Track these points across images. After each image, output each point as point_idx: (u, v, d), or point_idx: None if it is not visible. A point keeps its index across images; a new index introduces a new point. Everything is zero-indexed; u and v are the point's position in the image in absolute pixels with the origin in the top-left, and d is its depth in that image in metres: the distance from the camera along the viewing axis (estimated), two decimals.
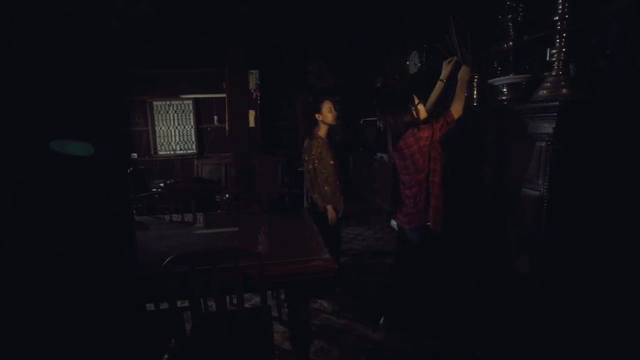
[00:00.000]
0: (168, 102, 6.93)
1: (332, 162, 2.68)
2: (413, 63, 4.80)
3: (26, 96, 0.74)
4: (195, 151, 7.02)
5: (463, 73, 2.07)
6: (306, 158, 2.63)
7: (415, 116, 2.12)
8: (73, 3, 0.83)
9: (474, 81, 2.43)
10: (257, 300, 2.88)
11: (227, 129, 6.03)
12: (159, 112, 6.96)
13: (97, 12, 0.90)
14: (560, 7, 1.59)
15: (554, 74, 1.67)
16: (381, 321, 2.43)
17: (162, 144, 7.04)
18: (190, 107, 6.95)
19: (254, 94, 5.72)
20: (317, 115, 2.67)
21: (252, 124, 4.96)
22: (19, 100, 0.73)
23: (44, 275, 0.76)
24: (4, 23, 0.69)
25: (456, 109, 2.03)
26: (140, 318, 1.13)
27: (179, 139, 7.07)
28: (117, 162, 0.98)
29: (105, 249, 0.91)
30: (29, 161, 0.74)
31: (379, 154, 4.87)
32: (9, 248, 0.72)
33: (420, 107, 2.16)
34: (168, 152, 7.06)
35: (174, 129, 7.04)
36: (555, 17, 1.61)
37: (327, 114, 2.64)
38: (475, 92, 2.44)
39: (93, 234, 0.87)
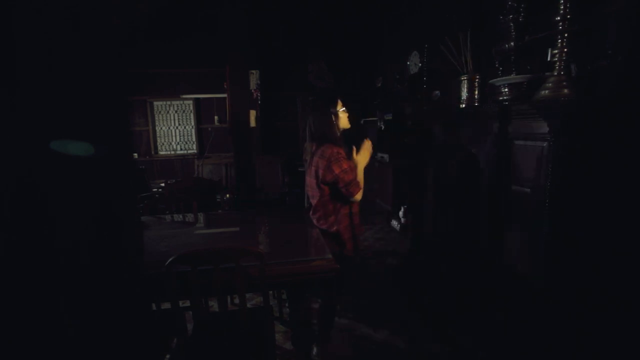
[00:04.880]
0: (168, 102, 6.93)
1: None
2: (413, 63, 4.80)
3: (29, 97, 0.74)
4: (195, 151, 7.02)
5: (362, 157, 2.05)
6: (307, 158, 2.63)
7: (334, 121, 2.03)
8: (73, 1, 0.82)
9: (475, 81, 2.43)
10: (258, 300, 2.88)
11: (228, 128, 6.03)
12: (160, 112, 6.96)
13: (98, 11, 0.90)
14: (562, 7, 1.59)
15: (555, 74, 1.67)
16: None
17: (163, 144, 7.04)
18: (191, 107, 6.95)
19: (255, 94, 5.72)
20: None
21: (252, 124, 4.96)
22: (22, 101, 0.73)
23: (50, 274, 0.76)
24: (5, 23, 0.69)
25: (359, 195, 1.99)
26: (144, 318, 1.13)
27: (180, 139, 7.07)
28: (121, 162, 0.98)
29: (111, 248, 0.91)
30: (35, 161, 0.74)
31: (379, 154, 4.87)
32: (15, 246, 0.72)
33: (343, 114, 2.07)
34: (168, 152, 7.06)
35: (174, 129, 7.04)
36: (557, 17, 1.61)
37: None
38: (476, 92, 2.44)
39: (98, 232, 0.87)
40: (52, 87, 0.78)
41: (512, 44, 2.07)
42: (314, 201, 2.13)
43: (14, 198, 0.73)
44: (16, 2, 0.71)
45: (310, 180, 2.11)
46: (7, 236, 0.72)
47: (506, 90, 2.10)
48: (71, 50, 0.82)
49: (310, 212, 2.17)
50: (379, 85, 6.33)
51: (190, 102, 6.93)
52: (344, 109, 2.08)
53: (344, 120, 2.09)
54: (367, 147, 2.09)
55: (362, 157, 2.07)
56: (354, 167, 2.01)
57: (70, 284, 0.81)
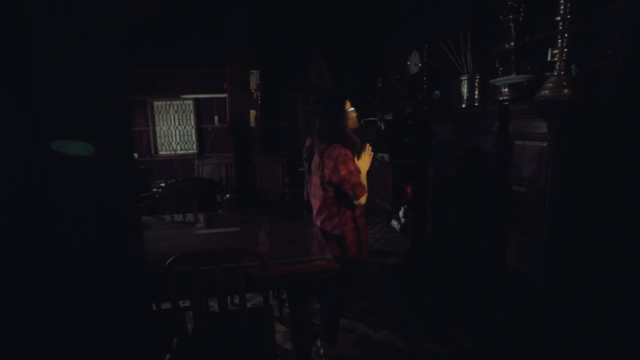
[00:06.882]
0: (169, 102, 6.93)
1: None
2: (414, 63, 4.80)
3: (35, 97, 0.74)
4: (195, 151, 7.02)
5: (363, 162, 2.08)
6: (316, 153, 2.62)
7: (345, 121, 2.06)
8: (76, 3, 0.82)
9: (475, 81, 2.43)
10: (258, 300, 2.88)
11: (228, 128, 6.03)
12: (160, 112, 6.96)
13: (100, 12, 0.90)
14: (562, 7, 1.59)
15: (555, 74, 1.67)
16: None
17: (163, 144, 7.04)
18: (191, 107, 6.95)
19: (255, 94, 5.72)
20: None
21: (252, 124, 4.97)
22: (35, 104, 0.73)
23: (52, 274, 0.77)
24: (18, 27, 0.69)
25: (364, 197, 2.00)
26: (145, 318, 1.13)
27: (180, 139, 7.07)
28: (122, 162, 0.99)
29: (112, 247, 0.91)
30: (37, 161, 0.74)
31: (379, 154, 4.87)
32: (18, 245, 0.72)
33: (352, 114, 2.09)
34: (169, 152, 7.05)
35: (174, 129, 7.04)
36: (557, 17, 1.61)
37: None
38: (476, 92, 2.44)
39: (99, 232, 0.87)
40: (53, 88, 0.78)
41: (512, 44, 2.07)
42: (315, 200, 2.12)
43: (16, 198, 0.73)
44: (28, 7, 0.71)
45: (315, 179, 2.11)
46: (9, 235, 0.72)
47: (506, 90, 2.10)
48: (73, 51, 0.82)
49: (314, 214, 2.16)
50: (379, 85, 6.33)
51: (190, 102, 6.93)
52: (352, 108, 2.11)
53: (353, 119, 2.11)
54: (367, 152, 2.11)
55: (364, 162, 2.10)
56: (359, 170, 2.03)
57: (72, 283, 0.81)
